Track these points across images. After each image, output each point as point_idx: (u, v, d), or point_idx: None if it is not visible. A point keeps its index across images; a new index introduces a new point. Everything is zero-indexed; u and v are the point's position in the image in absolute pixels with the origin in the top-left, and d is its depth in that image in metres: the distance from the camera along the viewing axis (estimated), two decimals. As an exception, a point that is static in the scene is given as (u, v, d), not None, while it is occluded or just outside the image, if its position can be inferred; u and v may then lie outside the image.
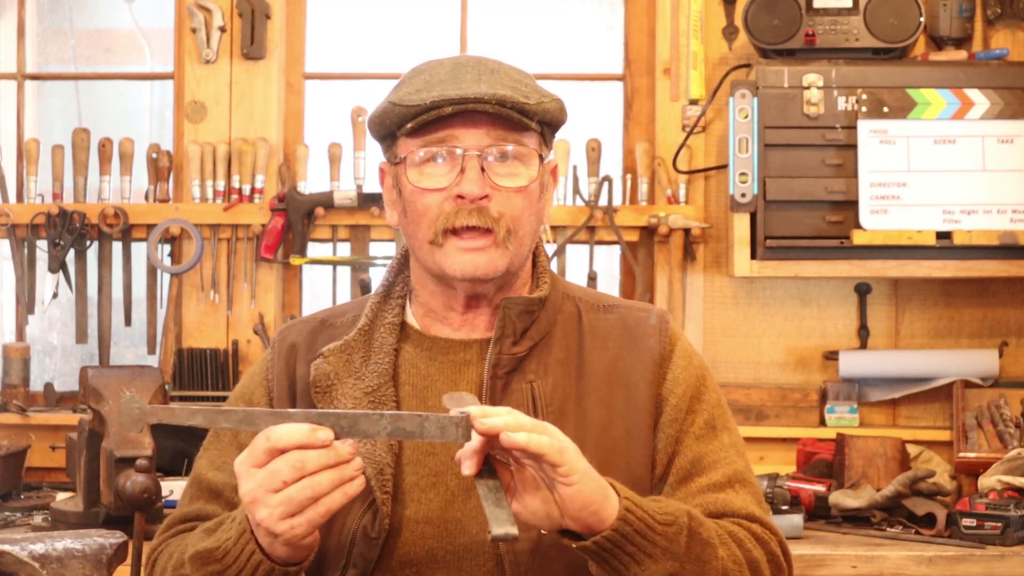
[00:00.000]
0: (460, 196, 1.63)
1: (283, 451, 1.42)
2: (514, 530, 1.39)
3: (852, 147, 3.26)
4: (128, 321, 3.61)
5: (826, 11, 3.32)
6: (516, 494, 1.45)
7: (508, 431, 1.40)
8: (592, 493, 1.45)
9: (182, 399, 3.44)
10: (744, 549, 1.61)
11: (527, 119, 1.65)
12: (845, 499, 2.99)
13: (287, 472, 1.41)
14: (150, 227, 3.55)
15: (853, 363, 3.45)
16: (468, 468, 1.42)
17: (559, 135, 3.67)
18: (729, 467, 1.69)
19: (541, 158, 1.70)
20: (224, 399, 3.36)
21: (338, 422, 1.43)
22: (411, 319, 1.76)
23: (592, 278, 3.54)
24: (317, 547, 1.53)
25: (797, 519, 2.84)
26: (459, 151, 1.64)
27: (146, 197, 3.63)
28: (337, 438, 1.43)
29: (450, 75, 1.65)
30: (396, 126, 1.67)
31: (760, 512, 1.69)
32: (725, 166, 3.43)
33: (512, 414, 1.43)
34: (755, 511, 1.68)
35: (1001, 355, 3.41)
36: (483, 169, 1.63)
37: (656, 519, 1.50)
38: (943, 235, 3.23)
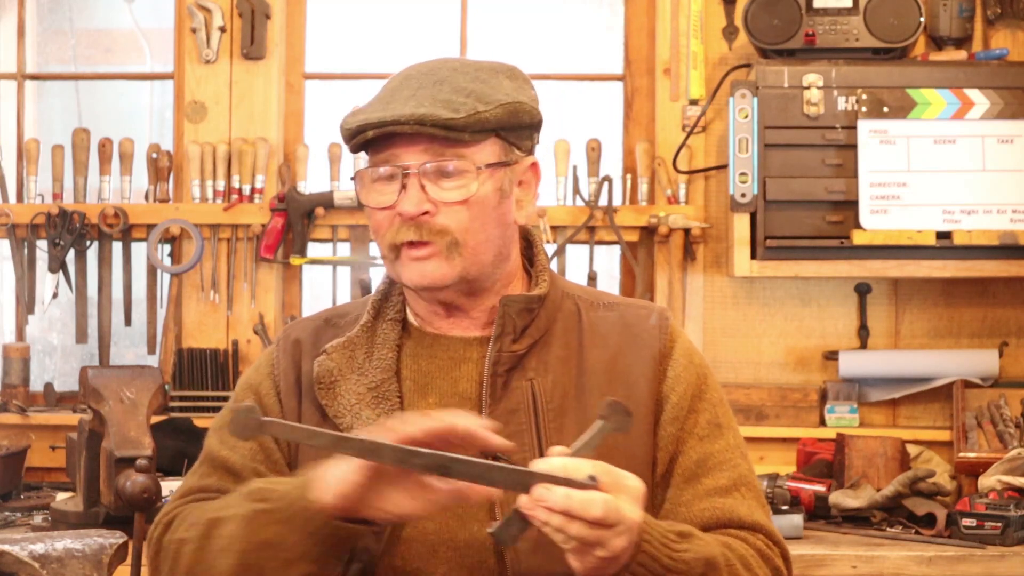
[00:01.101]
0: (399, 214, 1.65)
1: None
2: (510, 539, 1.42)
3: (852, 147, 3.26)
4: (128, 321, 3.61)
5: (826, 11, 3.32)
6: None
7: (548, 529, 1.41)
8: (607, 566, 1.45)
9: (182, 399, 3.44)
10: (752, 574, 1.62)
11: (458, 133, 1.64)
12: (845, 499, 2.99)
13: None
14: (150, 227, 3.55)
15: (853, 363, 3.45)
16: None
17: (558, 135, 3.67)
18: (734, 470, 1.70)
19: (503, 164, 1.68)
20: (224, 399, 3.36)
21: (469, 470, 1.42)
22: (411, 316, 1.77)
23: (592, 278, 3.54)
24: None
25: (797, 519, 2.84)
26: (399, 170, 1.65)
27: (146, 197, 3.63)
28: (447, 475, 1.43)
29: (390, 93, 1.68)
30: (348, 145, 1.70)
31: (765, 520, 1.69)
32: (725, 166, 3.43)
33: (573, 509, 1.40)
34: (760, 519, 1.68)
35: (1001, 355, 3.41)
36: (423, 186, 1.64)
37: (669, 566, 1.50)
38: (943, 235, 3.23)
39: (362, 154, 1.71)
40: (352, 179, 1.72)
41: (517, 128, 1.70)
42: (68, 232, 3.52)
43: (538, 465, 1.42)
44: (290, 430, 1.43)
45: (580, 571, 1.46)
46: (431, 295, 1.70)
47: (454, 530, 1.63)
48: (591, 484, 1.39)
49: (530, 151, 1.74)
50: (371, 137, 1.64)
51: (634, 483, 1.45)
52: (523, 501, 1.40)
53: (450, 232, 1.65)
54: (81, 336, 3.62)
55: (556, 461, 1.42)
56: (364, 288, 3.48)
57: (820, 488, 3.05)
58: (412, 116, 1.62)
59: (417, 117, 1.62)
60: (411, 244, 1.65)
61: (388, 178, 1.66)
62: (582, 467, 1.41)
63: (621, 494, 1.42)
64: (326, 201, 3.52)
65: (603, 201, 3.52)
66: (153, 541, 1.71)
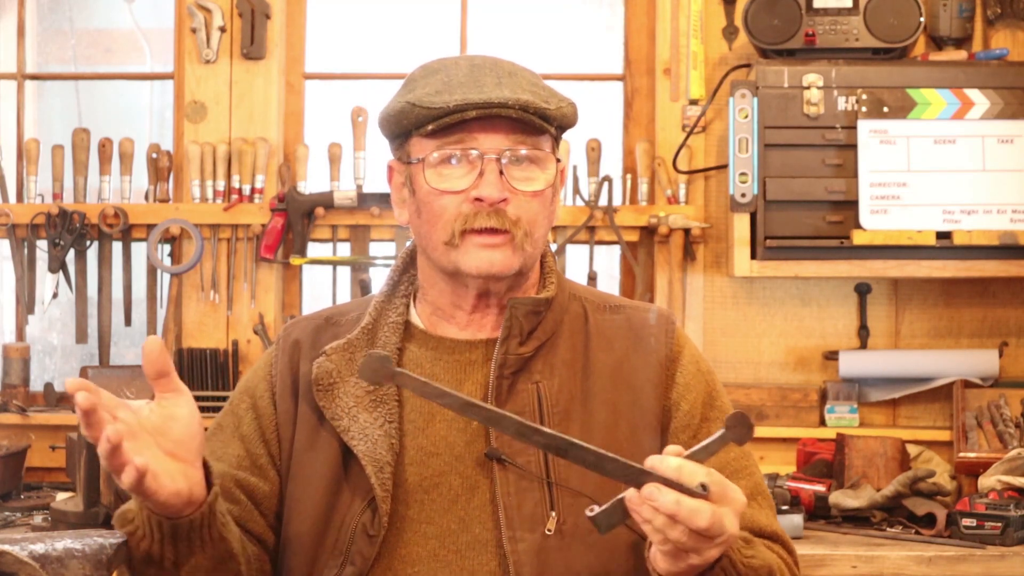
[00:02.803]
0: (478, 199, 1.63)
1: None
2: (607, 526, 1.42)
3: (852, 147, 3.26)
4: (128, 321, 3.61)
5: (826, 11, 3.32)
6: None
7: (646, 526, 1.41)
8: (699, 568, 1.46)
9: (182, 399, 3.43)
10: None
11: (547, 124, 1.65)
12: (845, 499, 2.99)
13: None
14: (150, 227, 3.55)
15: (853, 363, 3.45)
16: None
17: (559, 135, 3.58)
18: (750, 478, 1.71)
19: (558, 161, 1.70)
20: (225, 399, 3.36)
21: (584, 456, 1.43)
22: (415, 319, 1.76)
23: (592, 278, 3.54)
24: (183, 500, 1.50)
25: (797, 519, 2.84)
26: (476, 153, 1.64)
27: (146, 197, 3.63)
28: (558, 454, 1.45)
29: (469, 77, 1.65)
30: (414, 127, 1.66)
31: (780, 529, 1.71)
32: (725, 166, 3.43)
33: (681, 511, 1.39)
34: (777, 529, 1.70)
35: (1001, 355, 3.41)
36: (501, 172, 1.63)
37: (743, 572, 1.51)
38: (943, 235, 3.23)
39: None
40: (411, 162, 1.69)
41: (568, 129, 1.73)
42: (68, 232, 3.52)
43: (652, 462, 1.41)
44: (421, 385, 1.44)
45: (665, 572, 1.45)
46: (483, 284, 1.68)
47: (455, 533, 1.63)
48: (701, 493, 1.38)
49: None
50: (471, 118, 1.61)
51: (739, 496, 1.44)
52: (631, 495, 1.40)
53: (522, 223, 1.65)
54: (81, 336, 3.62)
55: (672, 462, 1.41)
56: (364, 288, 3.48)
57: (820, 488, 3.05)
58: (517, 101, 1.62)
59: (522, 103, 1.62)
60: (484, 231, 1.63)
61: (452, 162, 1.64)
62: (696, 473, 1.40)
63: (726, 506, 1.41)
64: (326, 201, 3.52)
65: (603, 201, 3.52)
66: None
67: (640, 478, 1.40)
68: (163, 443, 1.47)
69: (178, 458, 1.48)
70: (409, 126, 1.67)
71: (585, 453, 1.42)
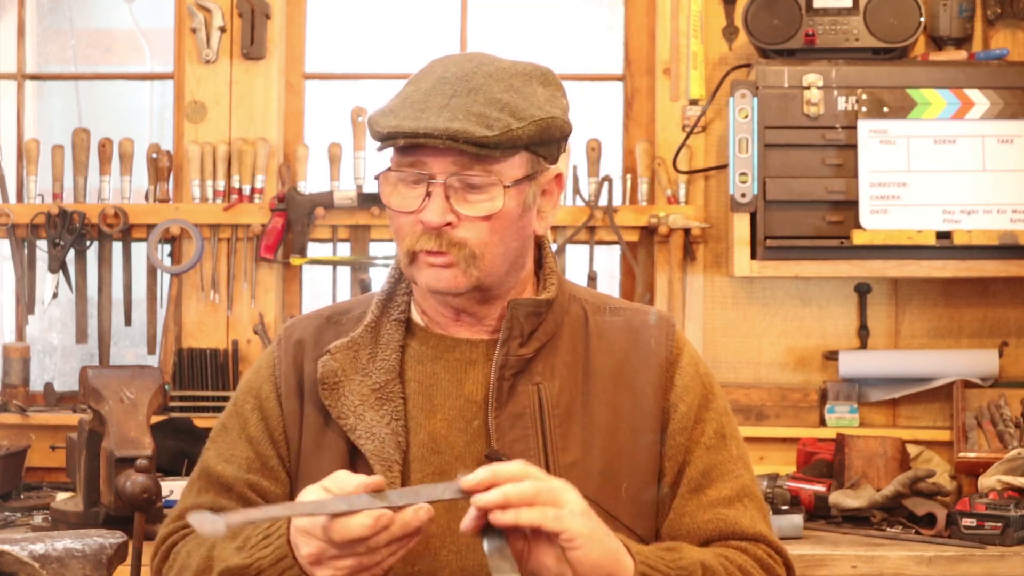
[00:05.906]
0: (422, 222, 1.64)
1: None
2: (510, 567, 1.42)
3: (852, 147, 3.26)
4: (128, 321, 3.61)
5: (826, 11, 3.32)
6: (530, 551, 1.47)
7: (496, 512, 1.43)
8: (601, 557, 1.47)
9: (182, 399, 3.44)
10: None
11: (490, 150, 1.61)
12: (845, 499, 2.99)
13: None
14: (150, 227, 3.55)
15: (853, 363, 3.45)
16: (465, 523, 1.46)
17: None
18: (737, 480, 1.71)
19: (529, 177, 1.66)
20: (225, 399, 3.37)
21: (400, 499, 1.45)
22: (416, 316, 1.77)
23: (592, 278, 3.54)
24: None
25: (797, 519, 2.84)
26: (425, 176, 1.63)
27: (146, 197, 3.63)
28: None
29: (422, 98, 1.63)
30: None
31: (767, 530, 1.70)
32: (725, 166, 3.44)
33: (506, 488, 1.44)
34: (762, 530, 1.69)
35: (1001, 355, 3.41)
36: (448, 196, 1.62)
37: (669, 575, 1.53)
38: (943, 235, 3.24)
39: (375, 146, 1.70)
40: (376, 178, 1.69)
41: (548, 143, 1.68)
42: (68, 232, 3.52)
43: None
44: (245, 516, 1.44)
45: (577, 573, 1.47)
46: (444, 300, 1.69)
47: (456, 532, 1.63)
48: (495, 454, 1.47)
49: (556, 160, 1.72)
50: (401, 146, 1.62)
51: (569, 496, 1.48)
52: (473, 501, 1.44)
53: (468, 245, 1.63)
54: (81, 336, 3.62)
55: (481, 470, 1.46)
56: (364, 288, 3.48)
57: (820, 488, 3.05)
58: (445, 131, 1.59)
59: (450, 132, 1.59)
60: (429, 252, 1.64)
61: (414, 182, 1.64)
62: (509, 466, 1.47)
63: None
64: (326, 201, 3.52)
65: (603, 201, 3.52)
66: (153, 570, 1.73)
67: (453, 485, 1.45)
68: None
69: None
70: (375, 139, 1.69)
71: (400, 496, 1.45)
